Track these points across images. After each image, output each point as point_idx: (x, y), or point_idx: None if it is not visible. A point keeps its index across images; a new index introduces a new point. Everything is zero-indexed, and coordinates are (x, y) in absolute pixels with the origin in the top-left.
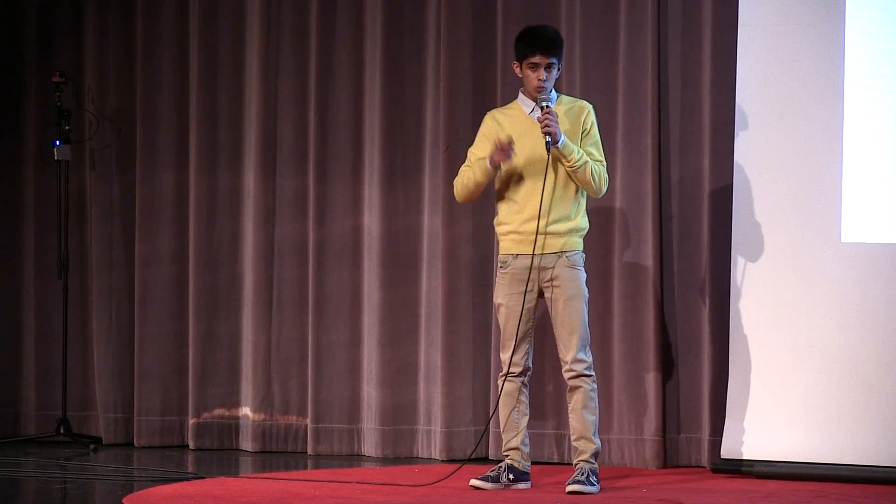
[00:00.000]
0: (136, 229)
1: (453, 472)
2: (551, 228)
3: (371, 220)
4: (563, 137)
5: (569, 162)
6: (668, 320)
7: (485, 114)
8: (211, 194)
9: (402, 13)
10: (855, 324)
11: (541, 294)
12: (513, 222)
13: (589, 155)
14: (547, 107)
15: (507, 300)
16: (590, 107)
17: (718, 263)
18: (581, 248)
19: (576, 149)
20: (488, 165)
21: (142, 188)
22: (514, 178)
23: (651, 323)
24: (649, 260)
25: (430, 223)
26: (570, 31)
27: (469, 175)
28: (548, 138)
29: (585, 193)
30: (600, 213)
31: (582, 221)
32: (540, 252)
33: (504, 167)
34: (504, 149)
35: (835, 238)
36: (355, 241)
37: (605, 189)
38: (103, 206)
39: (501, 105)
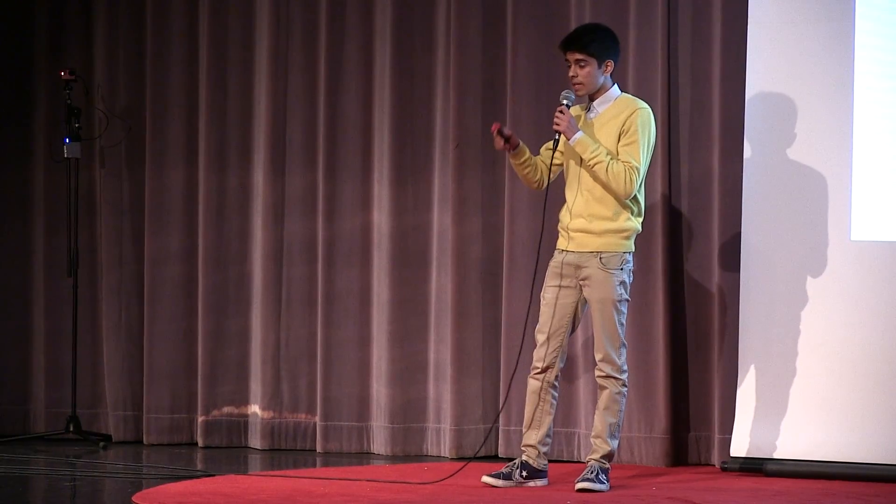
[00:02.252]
0: (145, 227)
1: (459, 470)
2: (588, 227)
3: (380, 218)
4: (578, 134)
5: (584, 158)
6: (677, 318)
7: (494, 111)
8: (220, 192)
9: (412, 10)
10: (864, 322)
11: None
12: (561, 218)
13: (621, 154)
14: (564, 104)
15: (544, 292)
16: (639, 109)
17: (728, 261)
18: (623, 250)
19: (591, 147)
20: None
21: (151, 186)
22: (566, 177)
23: (661, 321)
24: (658, 257)
25: (440, 221)
26: None
27: None
28: (557, 136)
29: (643, 193)
30: None
31: (627, 223)
32: (576, 250)
33: (520, 156)
34: (497, 130)
35: (844, 236)
36: (365, 239)
37: (628, 189)
38: (113, 203)
39: (510, 103)
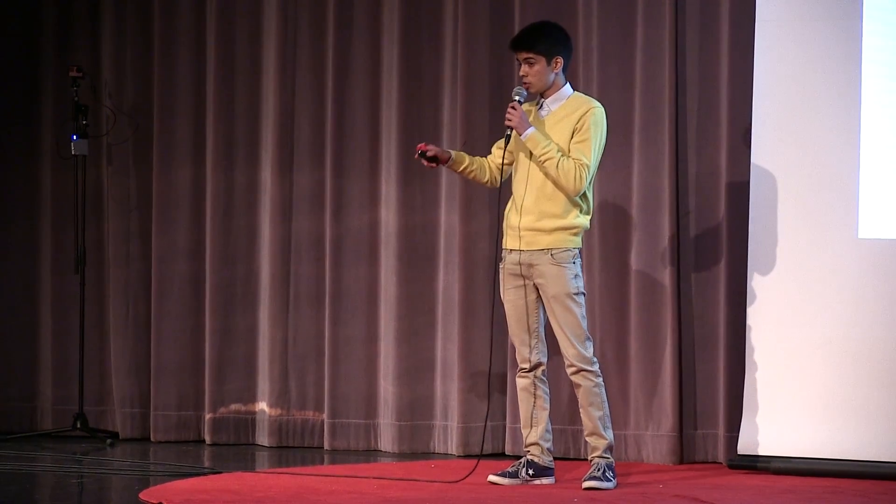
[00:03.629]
0: (152, 224)
1: (473, 470)
2: (537, 225)
3: (388, 216)
4: (529, 130)
5: (535, 154)
6: (684, 316)
7: (502, 109)
8: (228, 189)
9: (420, 8)
10: (871, 320)
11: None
12: (508, 217)
13: (572, 151)
14: (515, 101)
15: (506, 294)
16: (593, 108)
17: (735, 259)
18: (572, 246)
19: (542, 143)
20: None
21: (159, 183)
22: (514, 174)
23: (667, 319)
24: (666, 256)
25: (447, 219)
26: (587, 26)
27: None
28: (508, 131)
29: (592, 191)
30: (617, 208)
31: (576, 220)
32: (526, 248)
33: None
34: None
35: (852, 234)
36: (372, 237)
37: (577, 187)
38: (120, 201)
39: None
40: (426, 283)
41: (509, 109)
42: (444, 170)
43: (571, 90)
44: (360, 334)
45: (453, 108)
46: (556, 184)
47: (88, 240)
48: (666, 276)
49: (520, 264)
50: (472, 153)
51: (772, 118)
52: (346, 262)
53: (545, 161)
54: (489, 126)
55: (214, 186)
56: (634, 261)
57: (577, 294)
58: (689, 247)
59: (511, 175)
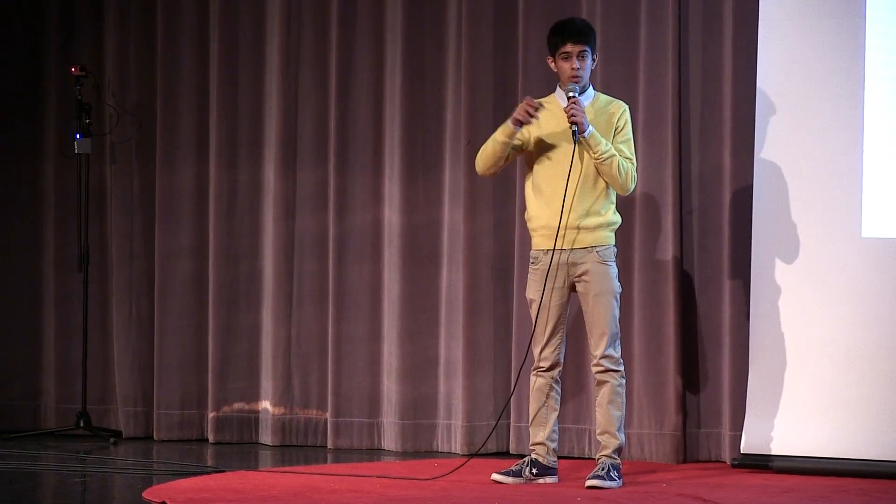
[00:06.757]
0: (156, 223)
1: (463, 464)
2: (582, 223)
3: (391, 214)
4: (590, 128)
5: (595, 153)
6: (688, 315)
7: (505, 107)
8: (231, 188)
9: (423, 6)
10: (875, 319)
11: (573, 288)
12: (542, 217)
13: (619, 151)
14: (573, 97)
15: (538, 296)
16: (625, 106)
17: (739, 258)
18: (612, 243)
19: (603, 141)
20: (510, 123)
21: (162, 182)
22: (544, 172)
23: (671, 317)
24: (670, 254)
25: (451, 217)
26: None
27: (491, 138)
28: (574, 128)
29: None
30: (621, 206)
31: (613, 216)
32: (570, 247)
33: (527, 137)
34: (531, 106)
35: (855, 233)
36: (375, 235)
37: (632, 187)
38: (123, 199)
39: (521, 100)
40: (430, 281)
41: (572, 105)
42: (448, 167)
43: (594, 91)
44: (364, 332)
45: (457, 107)
46: (611, 182)
47: (91, 238)
48: (669, 275)
49: (566, 264)
50: (475, 151)
51: (775, 116)
52: (349, 261)
53: (606, 159)
54: (492, 124)
55: (217, 184)
56: (637, 259)
57: (618, 293)
58: (693, 245)
59: (533, 173)
